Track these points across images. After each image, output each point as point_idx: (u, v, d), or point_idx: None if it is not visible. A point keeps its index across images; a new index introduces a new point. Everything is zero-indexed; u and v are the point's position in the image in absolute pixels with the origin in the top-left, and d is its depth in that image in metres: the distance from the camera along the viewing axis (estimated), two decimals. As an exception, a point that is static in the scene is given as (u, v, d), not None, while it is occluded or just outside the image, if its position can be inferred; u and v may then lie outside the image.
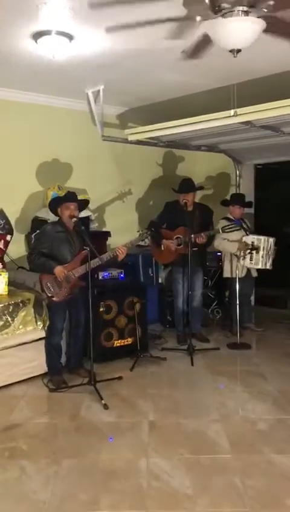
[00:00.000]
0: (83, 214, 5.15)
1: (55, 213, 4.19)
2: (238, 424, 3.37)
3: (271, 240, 5.13)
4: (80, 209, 4.25)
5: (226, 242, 5.17)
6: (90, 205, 5.58)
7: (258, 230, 5.54)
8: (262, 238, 5.10)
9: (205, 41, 3.33)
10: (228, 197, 5.68)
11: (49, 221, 4.55)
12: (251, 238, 5.12)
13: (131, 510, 2.44)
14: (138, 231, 4.49)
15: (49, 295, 4.03)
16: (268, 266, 5.17)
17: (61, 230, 4.09)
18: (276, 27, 3.09)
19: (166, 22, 3.18)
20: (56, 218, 4.29)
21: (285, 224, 7.48)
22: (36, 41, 3.57)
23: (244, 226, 5.39)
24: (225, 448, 3.02)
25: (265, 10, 2.76)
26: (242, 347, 5.02)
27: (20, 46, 3.72)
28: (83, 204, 4.34)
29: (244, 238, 5.13)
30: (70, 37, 3.54)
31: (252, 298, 6.08)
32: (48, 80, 4.65)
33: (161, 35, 3.45)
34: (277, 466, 2.81)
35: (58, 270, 3.96)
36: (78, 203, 4.17)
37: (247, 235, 5.22)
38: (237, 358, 4.80)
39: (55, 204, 4.18)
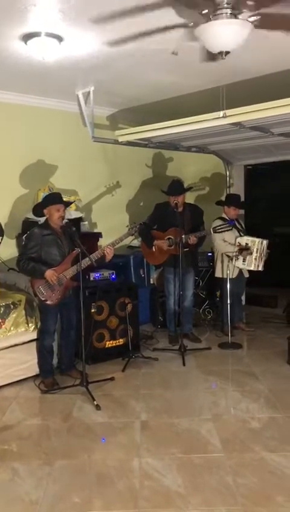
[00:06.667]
0: (74, 214, 5.16)
1: (41, 215, 4.13)
2: (230, 423, 3.39)
3: (265, 242, 5.14)
4: None
5: (227, 244, 5.19)
6: (81, 206, 5.60)
7: (248, 230, 5.56)
8: (256, 240, 5.11)
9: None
10: (222, 198, 5.70)
11: (39, 223, 4.53)
12: (245, 240, 5.14)
13: (124, 510, 2.45)
14: (127, 225, 4.49)
15: (43, 299, 3.99)
16: (260, 268, 5.18)
17: (48, 233, 4.02)
18: (267, 23, 3.10)
19: (162, 31, 3.20)
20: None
21: (275, 224, 7.55)
22: (26, 43, 3.57)
23: (238, 226, 5.41)
24: (217, 447, 3.04)
25: (253, 18, 2.79)
26: (233, 347, 5.05)
27: (9, 47, 3.72)
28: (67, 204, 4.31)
29: (238, 239, 5.15)
30: (60, 39, 3.54)
31: (243, 298, 6.11)
32: (37, 81, 4.65)
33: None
34: (268, 464, 2.83)
35: (49, 273, 3.91)
36: (64, 204, 4.12)
37: (241, 235, 5.24)
38: (228, 357, 4.82)
39: (41, 206, 4.11)
